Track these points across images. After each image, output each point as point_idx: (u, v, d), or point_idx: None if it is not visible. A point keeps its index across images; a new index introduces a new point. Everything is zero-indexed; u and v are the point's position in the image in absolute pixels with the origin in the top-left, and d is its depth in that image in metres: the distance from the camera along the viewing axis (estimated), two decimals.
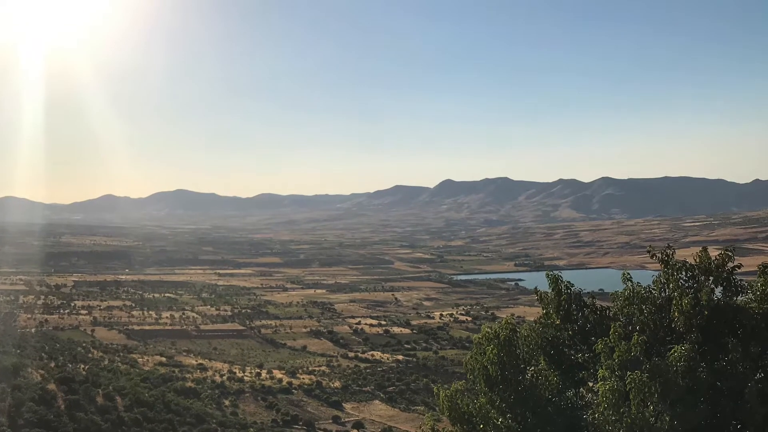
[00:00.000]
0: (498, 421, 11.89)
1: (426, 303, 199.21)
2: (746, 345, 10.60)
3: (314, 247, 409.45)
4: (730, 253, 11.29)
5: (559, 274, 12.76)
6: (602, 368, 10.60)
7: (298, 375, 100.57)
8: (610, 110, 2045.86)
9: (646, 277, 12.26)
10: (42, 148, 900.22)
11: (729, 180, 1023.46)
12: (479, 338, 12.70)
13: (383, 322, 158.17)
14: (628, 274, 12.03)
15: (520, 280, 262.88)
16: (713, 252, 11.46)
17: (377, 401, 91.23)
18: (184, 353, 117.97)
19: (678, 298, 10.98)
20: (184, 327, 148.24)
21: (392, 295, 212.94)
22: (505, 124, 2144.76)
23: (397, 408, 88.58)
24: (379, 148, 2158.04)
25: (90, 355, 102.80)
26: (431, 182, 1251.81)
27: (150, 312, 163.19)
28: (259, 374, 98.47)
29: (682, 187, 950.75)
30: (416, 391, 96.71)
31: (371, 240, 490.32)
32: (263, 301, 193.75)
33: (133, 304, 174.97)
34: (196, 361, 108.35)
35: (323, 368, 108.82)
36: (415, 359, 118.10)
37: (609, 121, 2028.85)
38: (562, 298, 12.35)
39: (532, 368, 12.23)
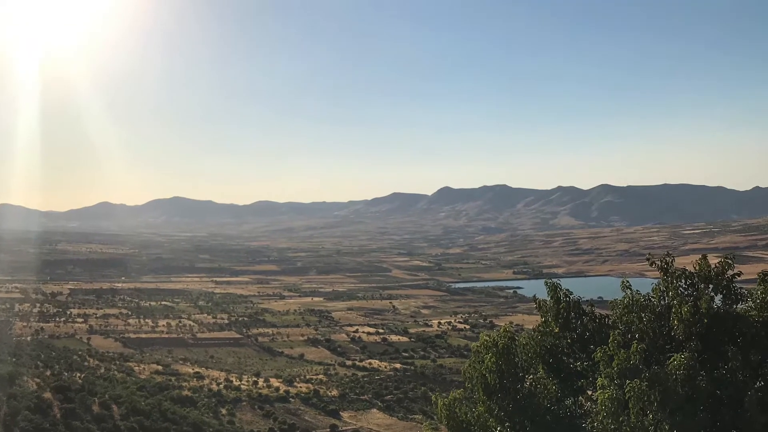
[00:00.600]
0: (496, 429, 11.84)
1: (424, 311, 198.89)
2: (746, 353, 10.58)
3: (312, 255, 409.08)
4: (729, 261, 11.29)
5: (558, 281, 12.76)
6: (601, 376, 10.56)
7: (295, 383, 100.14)
8: (609, 117, 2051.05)
9: (645, 285, 12.25)
10: (38, 155, 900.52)
11: (729, 187, 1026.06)
12: (477, 346, 12.66)
13: (381, 330, 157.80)
14: (628, 281, 12.02)
15: (518, 288, 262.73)
16: (713, 260, 11.44)
17: (375, 410, 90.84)
18: (181, 361, 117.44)
19: (677, 306, 10.96)
20: (181, 335, 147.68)
21: (390, 303, 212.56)
22: (503, 131, 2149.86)
23: (395, 417, 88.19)
24: (377, 156, 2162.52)
25: (86, 363, 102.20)
26: (429, 189, 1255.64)
27: (146, 320, 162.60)
28: (256, 383, 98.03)
29: (681, 194, 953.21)
30: (414, 399, 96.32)
31: (369, 248, 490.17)
32: (260, 309, 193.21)
33: (130, 312, 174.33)
34: (193, 369, 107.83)
35: (321, 377, 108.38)
36: (413, 367, 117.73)
37: (608, 128, 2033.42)
38: (560, 306, 12.33)
39: (531, 376, 12.19)
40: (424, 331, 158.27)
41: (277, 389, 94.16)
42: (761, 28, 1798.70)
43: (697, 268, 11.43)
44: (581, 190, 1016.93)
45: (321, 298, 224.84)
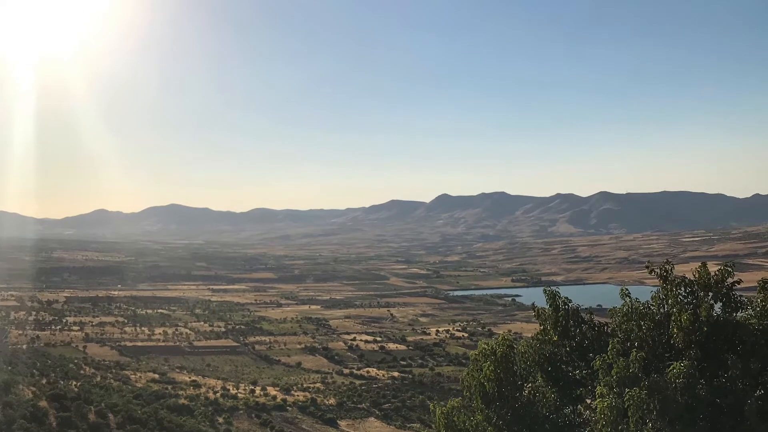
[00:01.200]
0: None
1: (422, 319, 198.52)
2: (746, 361, 10.53)
3: (309, 263, 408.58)
4: (729, 269, 11.27)
5: (557, 289, 12.73)
6: (600, 385, 10.50)
7: (292, 392, 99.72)
8: (608, 124, 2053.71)
9: (644, 292, 12.22)
10: (34, 163, 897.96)
11: (728, 194, 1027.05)
12: (476, 354, 12.60)
13: (379, 339, 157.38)
14: (627, 289, 12.00)
15: (517, 295, 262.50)
16: (712, 267, 11.41)
17: (372, 418, 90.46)
18: (177, 370, 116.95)
19: (677, 314, 10.93)
20: (177, 343, 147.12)
21: (388, 310, 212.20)
22: (502, 138, 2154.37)
23: (392, 425, 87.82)
24: (375, 163, 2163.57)
25: (82, 371, 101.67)
26: (427, 197, 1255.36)
27: (143, 328, 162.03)
28: (253, 391, 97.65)
29: (681, 201, 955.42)
30: (412, 408, 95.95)
31: (366, 255, 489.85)
32: (257, 317, 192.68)
33: (126, 320, 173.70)
34: (190, 377, 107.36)
35: (318, 385, 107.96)
36: (410, 376, 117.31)
37: (607, 136, 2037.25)
38: (559, 314, 12.29)
39: (530, 385, 12.13)
40: (422, 339, 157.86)
41: (275, 398, 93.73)
42: (761, 36, 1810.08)
43: (697, 275, 11.40)
44: (580, 198, 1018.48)
45: (318, 306, 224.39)
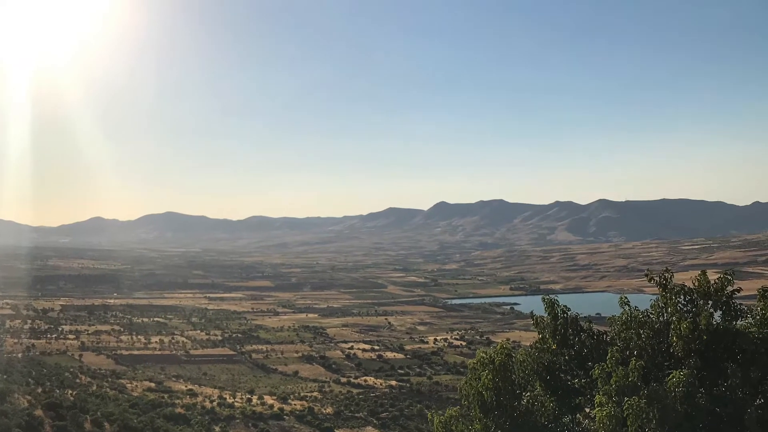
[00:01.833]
0: None
1: (420, 327, 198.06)
2: (746, 370, 10.48)
3: (306, 271, 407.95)
4: (729, 277, 11.25)
5: (556, 298, 12.69)
6: (599, 394, 10.44)
7: (289, 401, 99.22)
8: (607, 131, 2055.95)
9: (643, 301, 12.18)
10: (29, 170, 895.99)
11: (728, 202, 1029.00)
12: (474, 363, 12.52)
13: (376, 347, 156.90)
14: (626, 298, 11.96)
15: (515, 304, 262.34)
16: (712, 275, 11.38)
17: (370, 428, 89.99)
18: (174, 378, 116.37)
19: (676, 322, 10.88)
20: (174, 352, 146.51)
21: (385, 319, 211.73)
22: (500, 145, 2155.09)
23: None
24: (373, 170, 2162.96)
25: (78, 380, 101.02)
26: (425, 204, 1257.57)
27: (139, 336, 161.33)
28: (249, 400, 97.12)
29: (680, 209, 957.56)
30: (410, 417, 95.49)
31: (364, 263, 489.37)
32: (254, 325, 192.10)
33: (122, 329, 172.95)
34: (186, 386, 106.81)
35: (315, 394, 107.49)
36: (408, 385, 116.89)
37: (606, 143, 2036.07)
38: (558, 323, 12.24)
39: (528, 394, 12.06)
40: (420, 347, 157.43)
41: (271, 407, 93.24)
42: (760, 42, 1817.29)
43: (697, 284, 11.38)
44: (579, 206, 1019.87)
45: (315, 315, 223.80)
